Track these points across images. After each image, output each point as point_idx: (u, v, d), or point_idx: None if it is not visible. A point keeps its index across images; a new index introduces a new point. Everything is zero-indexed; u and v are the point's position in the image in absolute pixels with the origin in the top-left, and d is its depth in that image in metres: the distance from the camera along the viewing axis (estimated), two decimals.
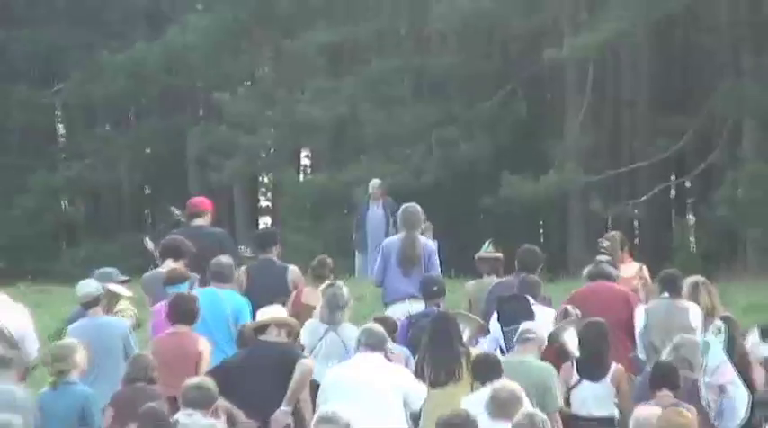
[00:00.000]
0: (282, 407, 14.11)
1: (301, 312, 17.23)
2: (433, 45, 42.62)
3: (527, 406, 12.94)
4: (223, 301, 16.77)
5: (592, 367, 16.29)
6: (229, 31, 43.62)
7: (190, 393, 13.12)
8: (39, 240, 42.68)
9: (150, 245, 20.53)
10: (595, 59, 39.53)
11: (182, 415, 12.88)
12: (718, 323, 17.01)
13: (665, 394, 14.09)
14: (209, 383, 13.67)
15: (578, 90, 41.05)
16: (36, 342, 15.92)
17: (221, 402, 14.44)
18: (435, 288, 17.59)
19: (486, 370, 14.41)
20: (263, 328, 15.45)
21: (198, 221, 19.77)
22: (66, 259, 39.42)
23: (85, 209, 49.63)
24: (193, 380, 13.71)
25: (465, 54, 41.78)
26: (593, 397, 16.12)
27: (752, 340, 16.86)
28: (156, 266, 18.56)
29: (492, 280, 18.88)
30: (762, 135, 38.53)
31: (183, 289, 16.83)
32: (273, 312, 15.83)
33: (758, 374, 16.16)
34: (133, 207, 50.75)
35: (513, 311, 17.13)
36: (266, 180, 47.64)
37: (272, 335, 15.29)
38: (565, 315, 17.25)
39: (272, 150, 46.59)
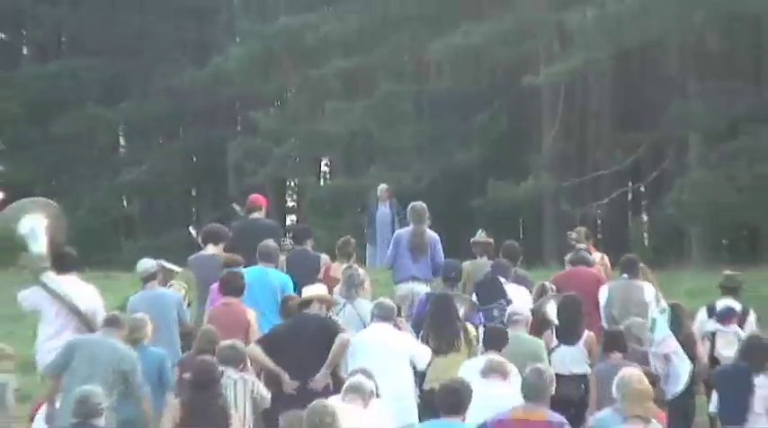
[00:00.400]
0: (323, 370, 14.36)
1: (330, 284, 17.40)
2: (431, 72, 42.80)
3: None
4: (270, 277, 17.11)
5: (568, 334, 16.80)
6: (263, 60, 43.81)
7: (224, 352, 13.76)
8: (102, 233, 42.59)
9: (194, 232, 21.09)
10: (566, 83, 39.61)
11: None
12: (664, 304, 17.14)
13: (617, 355, 14.87)
14: (240, 345, 14.41)
15: (552, 109, 41.02)
16: (104, 315, 15.61)
17: (268, 363, 15.23)
18: (453, 273, 17.89)
19: (498, 338, 15.01)
20: (307, 303, 15.73)
21: (255, 214, 20.10)
22: (126, 250, 39.40)
23: (141, 207, 49.62)
24: (227, 342, 14.28)
25: (458, 79, 42.01)
26: (570, 358, 16.57)
27: (699, 318, 17.28)
28: (200, 249, 18.85)
29: (484, 260, 19.30)
30: (704, 148, 38.62)
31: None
32: (317, 290, 16.18)
33: (702, 347, 16.61)
34: (181, 205, 51.15)
35: (488, 292, 17.69)
36: (292, 183, 47.64)
37: (315, 309, 15.60)
38: (542, 290, 17.77)
39: (296, 159, 46.75)
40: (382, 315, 15.23)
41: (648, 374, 13.58)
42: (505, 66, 40.56)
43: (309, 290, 16.22)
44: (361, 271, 18.08)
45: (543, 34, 39.38)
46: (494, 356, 14.33)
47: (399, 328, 15.44)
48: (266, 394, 13.81)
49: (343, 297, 16.74)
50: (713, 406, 14.49)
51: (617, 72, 41.30)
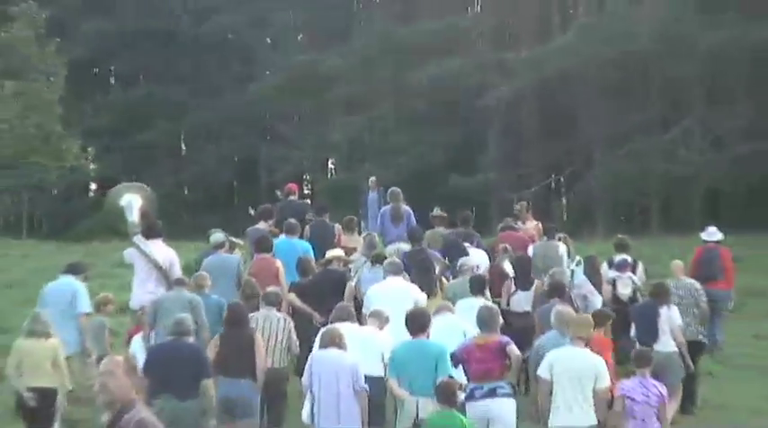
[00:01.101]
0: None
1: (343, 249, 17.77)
2: (410, 97, 42.21)
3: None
4: (294, 245, 17.11)
5: (523, 283, 16.78)
6: (286, 86, 43.53)
7: (268, 296, 13.90)
8: (171, 214, 42.14)
9: (252, 211, 20.92)
10: (507, 104, 39.79)
11: (263, 310, 13.68)
12: (578, 258, 17.67)
13: (556, 299, 14.49)
14: (278, 291, 14.63)
15: (496, 123, 41.22)
16: (179, 269, 16.05)
17: (301, 305, 15.68)
18: (417, 235, 17.65)
19: (479, 284, 15.23)
20: (329, 261, 16.34)
21: (291, 197, 20.46)
22: (188, 226, 38.87)
23: (196, 195, 49.42)
24: (270, 288, 14.42)
25: (431, 103, 41.92)
26: (525, 300, 16.54)
27: (604, 268, 17.32)
28: (254, 224, 18.85)
29: (441, 229, 19.11)
30: (606, 150, 38.90)
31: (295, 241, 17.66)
32: (336, 252, 16.80)
33: (606, 289, 16.78)
34: (225, 194, 50.74)
35: (455, 252, 17.75)
36: (308, 178, 47.63)
37: (335, 266, 16.24)
38: (505, 250, 17.77)
39: (310, 160, 46.90)
40: (393, 270, 15.19)
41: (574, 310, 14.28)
42: (463, 91, 40.35)
43: (331, 252, 16.76)
44: (376, 237, 18.84)
45: (491, 68, 39.61)
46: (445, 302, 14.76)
47: (407, 280, 15.40)
48: (296, 338, 13.97)
49: (364, 255, 16.90)
50: (633, 332, 14.52)
51: (542, 95, 41.19)
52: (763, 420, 15.18)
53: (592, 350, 12.73)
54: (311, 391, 12.14)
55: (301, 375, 12.91)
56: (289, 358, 14.05)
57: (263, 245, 16.56)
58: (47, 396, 12.36)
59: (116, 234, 23.84)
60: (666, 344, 14.30)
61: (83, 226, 37.66)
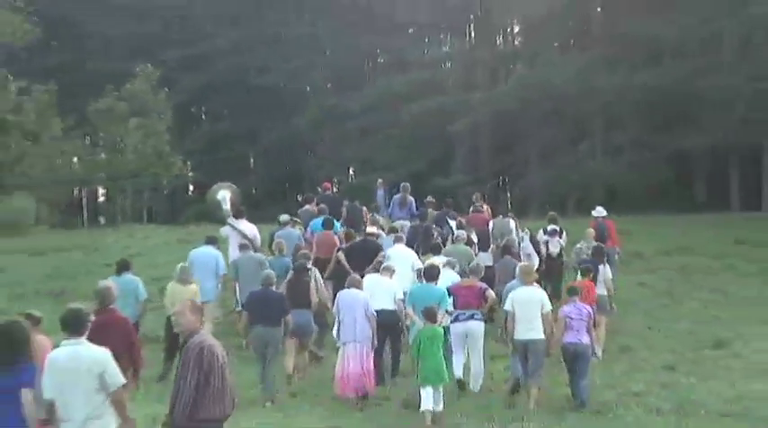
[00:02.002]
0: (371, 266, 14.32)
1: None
2: (404, 125, 41.67)
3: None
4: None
5: (483, 247, 16.96)
6: (319, 121, 43.72)
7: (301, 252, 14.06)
8: (249, 207, 41.27)
9: (299, 198, 21.12)
10: (470, 131, 40.00)
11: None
12: (526, 230, 17.89)
13: (507, 256, 15.04)
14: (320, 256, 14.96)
15: (464, 142, 41.54)
16: (260, 238, 16.47)
17: (346, 263, 15.30)
18: (423, 215, 18.03)
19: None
20: (368, 234, 16.13)
21: (327, 192, 20.82)
22: (256, 216, 38.37)
23: (259, 191, 48.29)
24: (303, 252, 14.50)
25: (418, 128, 41.56)
26: (486, 258, 16.30)
27: (540, 235, 17.54)
28: (303, 206, 19.19)
29: (431, 210, 19.36)
30: (538, 162, 38.96)
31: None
32: (371, 229, 16.78)
33: (543, 249, 17.04)
34: (279, 190, 49.24)
35: (441, 223, 17.98)
36: (335, 180, 46.91)
37: (371, 238, 15.87)
38: (469, 224, 18.06)
39: (338, 168, 46.00)
40: (398, 240, 15.45)
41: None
42: (440, 120, 39.58)
43: (369, 229, 16.83)
44: (380, 219, 19.43)
45: (459, 105, 39.11)
46: (440, 258, 14.46)
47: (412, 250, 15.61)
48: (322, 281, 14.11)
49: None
50: (578, 278, 14.22)
51: (494, 123, 40.89)
52: (643, 340, 15.58)
53: (585, 290, 13.32)
54: (337, 317, 12.40)
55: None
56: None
57: (329, 224, 16.46)
58: (196, 309, 12.66)
59: (208, 219, 23.93)
60: (601, 289, 14.30)
61: (184, 215, 37.64)
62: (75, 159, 37.14)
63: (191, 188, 46.77)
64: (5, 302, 17.13)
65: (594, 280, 14.33)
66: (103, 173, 38.15)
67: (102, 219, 42.35)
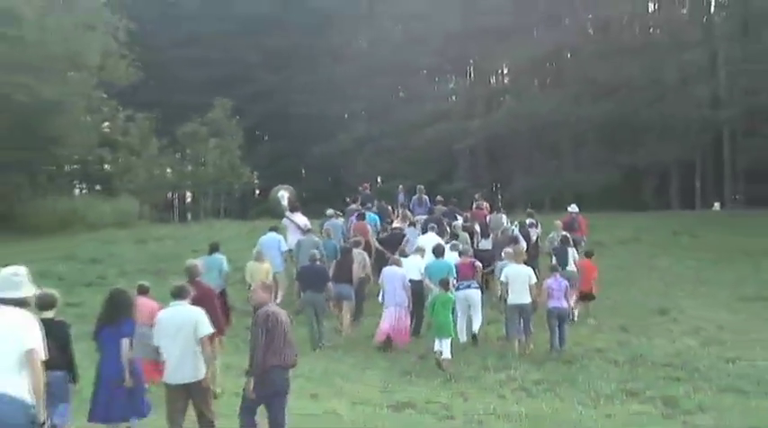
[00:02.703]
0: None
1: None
2: (419, 146, 40.90)
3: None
4: (369, 217, 16.96)
5: (485, 234, 16.38)
6: (359, 142, 43.21)
7: (355, 243, 14.02)
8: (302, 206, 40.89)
9: (347, 199, 21.00)
10: (470, 150, 39.70)
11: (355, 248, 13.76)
12: (516, 222, 17.79)
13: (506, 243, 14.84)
14: (362, 239, 14.46)
15: (466, 158, 41.11)
16: (311, 226, 16.14)
17: (380, 246, 15.59)
18: (435, 211, 17.91)
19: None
20: (395, 227, 16.46)
21: (366, 191, 20.62)
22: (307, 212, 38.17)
23: (307, 194, 45.74)
24: (356, 238, 14.61)
25: (430, 148, 40.82)
26: (486, 243, 16.00)
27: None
28: (349, 205, 18.94)
29: (440, 207, 18.88)
30: (522, 173, 38.49)
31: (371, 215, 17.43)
32: (397, 223, 17.00)
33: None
34: (326, 195, 46.60)
35: (450, 217, 17.64)
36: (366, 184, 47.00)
37: (397, 229, 16.14)
38: (474, 219, 17.73)
39: (368, 178, 45.19)
40: (423, 230, 15.24)
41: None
42: (447, 141, 39.37)
43: (395, 223, 17.14)
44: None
45: (460, 130, 38.86)
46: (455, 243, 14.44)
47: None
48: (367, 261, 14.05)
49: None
50: (554, 260, 14.22)
51: (488, 144, 40.56)
52: (604, 309, 15.48)
53: (587, 268, 14.22)
54: (382, 287, 12.63)
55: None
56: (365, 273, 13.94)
57: (362, 216, 16.46)
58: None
59: (270, 215, 24.00)
60: (571, 266, 14.29)
61: (251, 213, 37.77)
62: (169, 170, 37.29)
63: (257, 192, 46.56)
64: (115, 278, 17.31)
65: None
66: (190, 181, 38.58)
67: (189, 216, 42.44)
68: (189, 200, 45.24)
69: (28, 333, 4.38)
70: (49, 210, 28.56)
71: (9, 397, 4.18)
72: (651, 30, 39.83)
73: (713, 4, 38.02)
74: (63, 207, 29.42)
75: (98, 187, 38.74)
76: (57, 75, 29.37)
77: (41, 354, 4.38)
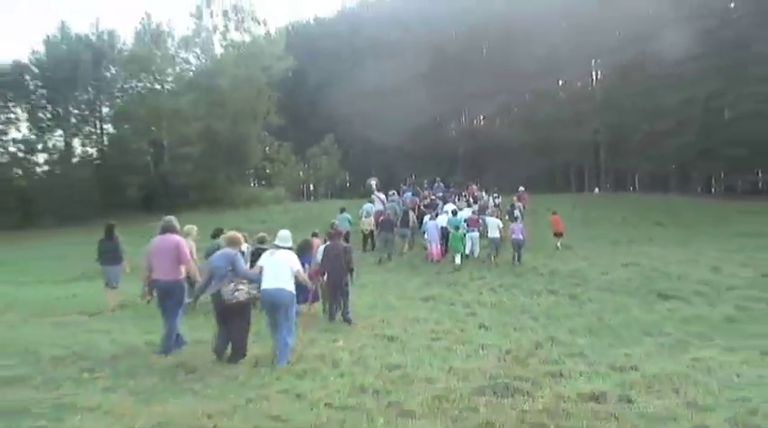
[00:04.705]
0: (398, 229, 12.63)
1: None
2: (424, 154, 37.00)
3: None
4: (375, 202, 14.45)
5: (480, 211, 14.05)
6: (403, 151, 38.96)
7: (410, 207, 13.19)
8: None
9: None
10: (464, 153, 37.22)
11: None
12: (489, 197, 16.82)
13: (485, 212, 13.86)
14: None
15: (461, 159, 37.69)
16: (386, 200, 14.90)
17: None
18: (445, 189, 16.67)
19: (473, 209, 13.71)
20: (407, 211, 13.44)
21: (410, 180, 19.75)
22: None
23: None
24: (410, 206, 13.81)
25: (435, 151, 36.92)
26: (489, 223, 13.37)
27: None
28: (372, 192, 16.40)
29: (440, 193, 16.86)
30: (506, 172, 35.22)
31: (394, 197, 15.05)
32: (426, 201, 15.27)
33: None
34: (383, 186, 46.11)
35: (457, 194, 16.93)
36: (409, 177, 44.10)
37: (410, 212, 13.38)
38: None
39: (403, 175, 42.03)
40: (449, 209, 13.08)
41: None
42: (447, 147, 36.43)
43: (425, 201, 15.52)
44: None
45: (456, 138, 37.02)
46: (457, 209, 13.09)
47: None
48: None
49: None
50: (515, 214, 13.03)
51: (474, 150, 37.96)
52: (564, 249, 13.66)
53: (555, 220, 12.89)
54: (427, 232, 11.97)
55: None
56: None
57: (416, 194, 15.67)
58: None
59: (359, 196, 23.12)
60: (518, 225, 12.39)
61: (345, 195, 36.67)
62: (300, 173, 37.13)
63: (347, 184, 44.10)
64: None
65: (515, 217, 12.81)
66: (312, 178, 38.09)
67: (312, 197, 40.89)
68: (311, 188, 44.32)
69: (294, 262, 5.43)
70: (240, 195, 29.43)
71: (286, 291, 5.31)
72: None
73: None
74: (246, 193, 30.52)
75: (263, 182, 38.97)
76: (243, 120, 30.64)
77: (301, 271, 5.46)
